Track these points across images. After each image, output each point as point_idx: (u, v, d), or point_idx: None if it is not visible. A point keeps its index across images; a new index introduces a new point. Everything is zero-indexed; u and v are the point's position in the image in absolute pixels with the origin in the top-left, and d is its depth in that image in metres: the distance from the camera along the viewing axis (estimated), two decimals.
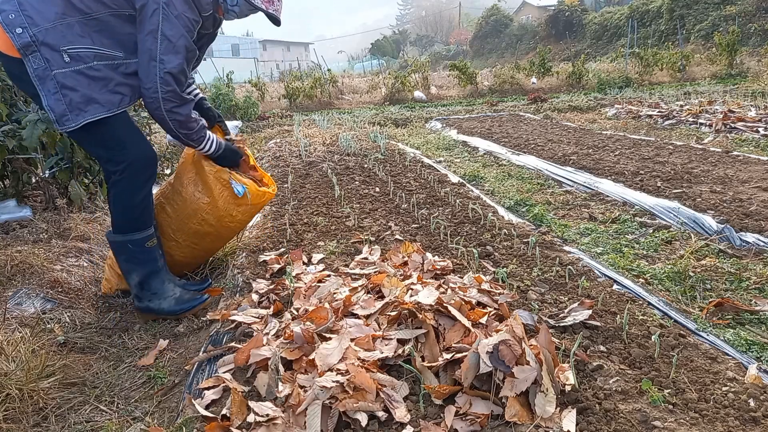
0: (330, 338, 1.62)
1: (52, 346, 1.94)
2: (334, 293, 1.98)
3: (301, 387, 1.44)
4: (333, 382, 1.38)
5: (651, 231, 2.91)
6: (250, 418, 1.37)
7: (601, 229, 2.98)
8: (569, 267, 2.26)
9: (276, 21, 2.25)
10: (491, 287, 1.97)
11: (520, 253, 2.50)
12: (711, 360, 1.60)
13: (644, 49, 15.94)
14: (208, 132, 2.27)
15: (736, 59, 14.10)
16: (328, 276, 2.23)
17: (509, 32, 38.87)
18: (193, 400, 1.51)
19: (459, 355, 1.47)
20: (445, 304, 1.67)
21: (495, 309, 1.77)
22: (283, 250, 2.73)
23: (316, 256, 2.53)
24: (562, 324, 1.80)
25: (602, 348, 1.68)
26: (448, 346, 1.55)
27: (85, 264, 2.74)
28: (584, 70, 14.40)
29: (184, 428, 1.43)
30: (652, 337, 1.67)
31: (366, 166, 4.73)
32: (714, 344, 1.73)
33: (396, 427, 1.33)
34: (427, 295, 1.73)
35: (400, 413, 1.35)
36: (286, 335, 1.68)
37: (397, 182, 4.06)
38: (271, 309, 1.99)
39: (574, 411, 1.33)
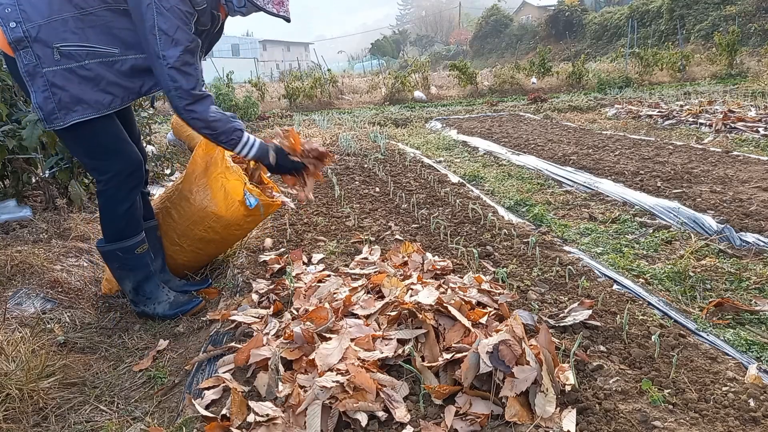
0: (330, 338, 1.61)
1: (52, 346, 1.94)
2: (334, 293, 1.98)
3: (301, 387, 1.44)
4: (333, 382, 1.38)
5: (651, 231, 2.91)
6: (250, 418, 1.37)
7: (601, 229, 2.98)
8: (569, 267, 2.25)
9: (287, 20, 2.21)
10: (491, 287, 1.97)
11: (520, 253, 2.50)
12: (711, 360, 1.60)
13: (644, 49, 15.95)
14: (247, 134, 2.09)
15: (736, 59, 14.10)
16: (328, 276, 2.23)
17: (509, 32, 38.87)
18: (193, 400, 1.51)
19: (459, 355, 1.47)
20: (445, 304, 1.67)
21: (495, 309, 1.77)
22: (283, 250, 2.73)
23: (316, 256, 2.53)
24: (562, 324, 1.80)
25: (602, 348, 1.68)
26: (448, 346, 1.55)
27: (85, 264, 2.74)
28: (584, 70, 14.41)
29: (184, 428, 1.43)
30: (652, 337, 1.67)
31: (366, 166, 4.73)
32: (714, 344, 1.73)
33: (396, 427, 1.33)
34: (427, 295, 1.73)
35: (400, 413, 1.35)
36: (286, 335, 1.68)
37: (397, 182, 4.06)
38: (271, 309, 1.99)
39: (574, 411, 1.33)
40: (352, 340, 1.59)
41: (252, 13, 2.12)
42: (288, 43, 61.82)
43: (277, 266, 2.46)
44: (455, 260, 2.38)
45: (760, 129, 5.55)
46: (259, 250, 2.76)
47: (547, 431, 1.28)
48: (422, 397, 1.40)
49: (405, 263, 2.26)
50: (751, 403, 1.39)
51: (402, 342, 1.59)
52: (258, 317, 1.95)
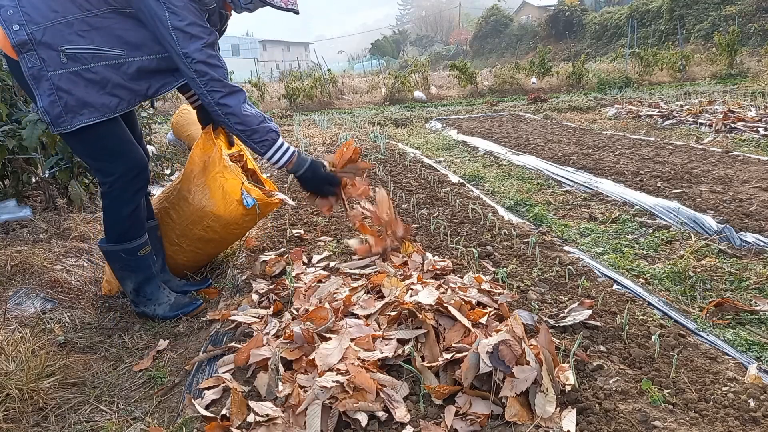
0: (330, 338, 1.61)
1: (52, 346, 1.94)
2: (334, 293, 1.98)
3: (301, 387, 1.44)
4: (333, 382, 1.38)
5: (651, 231, 2.91)
6: (250, 418, 1.37)
7: (601, 229, 2.98)
8: (569, 267, 2.25)
9: (296, 12, 2.17)
10: (491, 287, 1.97)
11: (520, 253, 2.50)
12: (711, 360, 1.60)
13: (644, 49, 15.96)
14: (282, 140, 2.00)
15: (736, 59, 14.11)
16: (328, 276, 2.23)
17: (509, 32, 38.87)
18: (193, 400, 1.51)
19: (459, 355, 1.47)
20: (445, 304, 1.67)
21: (495, 309, 1.77)
22: (283, 250, 2.73)
23: (316, 257, 2.53)
24: (562, 324, 1.80)
25: (602, 348, 1.68)
26: (448, 346, 1.55)
27: (85, 264, 2.74)
28: (584, 70, 14.41)
29: (184, 428, 1.43)
30: (652, 337, 1.67)
31: None
32: (714, 344, 1.73)
33: (396, 427, 1.33)
34: (427, 295, 1.73)
35: (400, 413, 1.35)
36: (286, 335, 1.68)
37: (397, 182, 4.06)
38: (271, 309, 1.99)
39: (574, 411, 1.33)
40: (352, 340, 1.59)
41: (259, 8, 2.09)
42: (288, 43, 61.84)
43: (277, 266, 2.46)
44: (455, 260, 2.38)
45: (760, 129, 5.55)
46: (259, 250, 2.76)
47: (547, 431, 1.28)
48: (422, 397, 1.40)
49: (405, 263, 2.26)
50: (751, 403, 1.39)
51: (402, 342, 1.59)
52: (258, 317, 1.95)
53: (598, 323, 1.80)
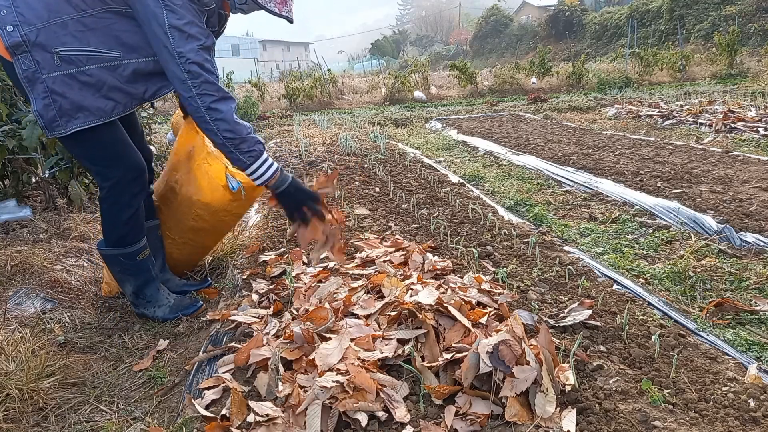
0: (330, 338, 1.62)
1: (52, 346, 1.94)
2: (334, 293, 1.98)
3: (301, 387, 1.44)
4: (333, 382, 1.38)
5: (651, 231, 2.91)
6: (250, 418, 1.37)
7: (601, 229, 2.98)
8: (569, 267, 2.25)
9: (290, 21, 2.06)
10: (491, 287, 1.97)
11: (520, 253, 2.50)
12: (711, 360, 1.60)
13: (644, 49, 15.95)
14: (266, 154, 1.88)
15: (736, 59, 14.10)
16: (328, 276, 2.23)
17: (509, 32, 38.87)
18: (193, 400, 1.51)
19: (459, 355, 1.47)
20: (445, 304, 1.67)
21: (495, 309, 1.77)
22: (283, 250, 2.73)
23: None
24: (562, 324, 1.80)
25: (602, 348, 1.68)
26: (448, 346, 1.55)
27: (85, 264, 2.74)
28: (584, 70, 14.41)
29: (184, 428, 1.43)
30: (652, 337, 1.67)
31: (366, 166, 4.73)
32: (714, 344, 1.73)
33: (396, 427, 1.33)
34: (427, 295, 1.73)
35: (400, 413, 1.35)
36: (286, 335, 1.68)
37: (397, 182, 4.06)
38: (271, 309, 1.99)
39: (574, 411, 1.33)
40: (352, 340, 1.59)
41: (253, 10, 2.04)
42: (288, 43, 61.83)
43: (277, 266, 2.46)
44: (455, 260, 2.38)
45: (760, 129, 5.55)
46: (259, 250, 2.76)
47: (547, 431, 1.28)
48: (422, 397, 1.40)
49: (405, 263, 2.26)
50: (751, 403, 1.39)
51: (402, 342, 1.59)
52: (258, 317, 1.95)
53: (598, 323, 1.80)
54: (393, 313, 1.71)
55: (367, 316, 1.75)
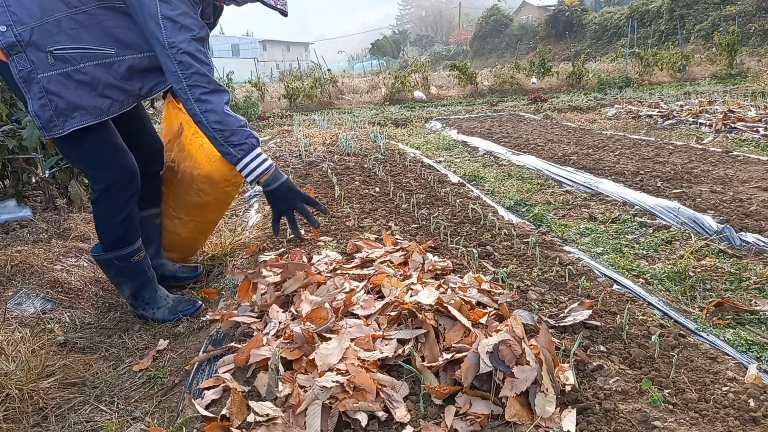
0: (330, 338, 1.61)
1: (52, 346, 1.94)
2: (334, 293, 1.98)
3: (301, 387, 1.44)
4: (333, 382, 1.38)
5: (651, 231, 2.91)
6: (250, 418, 1.37)
7: (601, 229, 2.98)
8: (569, 267, 2.26)
9: (284, 14, 2.06)
10: (491, 287, 1.97)
11: (520, 253, 2.50)
12: (711, 360, 1.60)
13: (644, 49, 15.94)
14: (260, 149, 1.86)
15: (736, 59, 14.10)
16: (328, 276, 2.23)
17: (509, 32, 38.88)
18: (193, 400, 1.51)
19: (459, 355, 1.47)
20: (445, 304, 1.67)
21: (495, 309, 1.77)
22: (283, 250, 2.73)
23: (316, 257, 2.53)
24: (562, 324, 1.80)
25: (602, 348, 1.68)
26: (448, 346, 1.55)
27: (85, 264, 2.74)
28: (584, 70, 14.40)
29: (184, 428, 1.43)
30: (652, 337, 1.67)
31: (366, 166, 4.73)
32: (714, 344, 1.73)
33: (396, 427, 1.33)
34: (427, 295, 1.73)
35: (400, 413, 1.35)
36: (286, 335, 1.68)
37: (397, 182, 4.06)
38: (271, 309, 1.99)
39: (574, 411, 1.33)
40: (352, 340, 1.59)
41: (247, 3, 2.04)
42: (288, 43, 61.85)
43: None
44: (455, 260, 2.38)
45: (760, 129, 5.55)
46: (259, 250, 2.76)
47: (547, 431, 1.28)
48: (422, 397, 1.40)
49: (405, 263, 2.26)
50: (751, 403, 1.39)
51: (402, 342, 1.59)
52: (258, 317, 1.94)
53: (598, 323, 1.80)
54: (393, 313, 1.71)
55: (367, 316, 1.75)
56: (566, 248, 2.64)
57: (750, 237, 2.59)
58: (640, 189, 3.61)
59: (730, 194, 3.28)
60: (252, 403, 1.41)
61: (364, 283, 2.03)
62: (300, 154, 5.46)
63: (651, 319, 1.86)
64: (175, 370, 1.86)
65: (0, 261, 2.51)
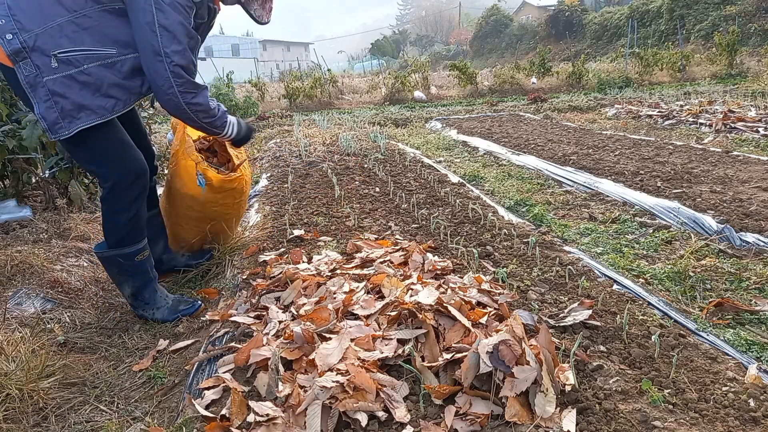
0: (330, 338, 1.62)
1: (52, 346, 1.94)
2: (334, 293, 1.98)
3: (301, 387, 1.44)
4: (333, 382, 1.38)
5: (651, 231, 2.91)
6: (250, 418, 1.37)
7: (601, 229, 2.98)
8: (569, 267, 2.25)
9: (259, 23, 2.24)
10: (491, 287, 1.97)
11: (520, 253, 2.50)
12: (711, 360, 1.60)
13: (644, 49, 15.94)
14: (229, 116, 2.20)
15: (736, 59, 14.09)
16: (329, 276, 2.23)
17: (509, 32, 38.87)
18: (193, 400, 1.51)
19: (459, 355, 1.47)
20: (445, 304, 1.67)
21: (495, 309, 1.77)
22: (283, 250, 2.73)
23: (316, 257, 2.53)
24: (562, 324, 1.80)
25: (602, 348, 1.68)
26: (448, 346, 1.55)
27: (85, 264, 2.74)
28: (584, 70, 14.40)
29: (184, 428, 1.43)
30: (652, 337, 1.67)
31: (366, 166, 4.73)
32: (714, 344, 1.73)
33: (396, 427, 1.33)
34: (427, 295, 1.73)
35: (400, 413, 1.35)
36: (286, 335, 1.68)
37: (397, 182, 4.06)
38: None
39: (574, 411, 1.33)
40: (352, 340, 1.59)
41: (235, 3, 2.16)
42: (288, 43, 61.86)
43: (277, 266, 2.46)
44: (455, 260, 2.38)
45: (760, 129, 5.55)
46: (259, 250, 2.76)
47: (547, 431, 1.28)
48: (422, 397, 1.40)
49: (405, 263, 2.26)
50: (751, 403, 1.39)
51: (402, 342, 1.59)
52: (257, 317, 1.94)
53: (598, 323, 1.80)
54: (393, 313, 1.71)
55: (367, 316, 1.75)
56: (566, 248, 2.64)
57: (750, 237, 2.59)
58: (640, 189, 3.61)
59: (730, 194, 3.28)
60: (252, 403, 1.41)
61: (364, 283, 2.03)
62: (300, 154, 5.46)
63: (651, 319, 1.86)
64: (175, 370, 1.86)
65: (0, 261, 2.51)
